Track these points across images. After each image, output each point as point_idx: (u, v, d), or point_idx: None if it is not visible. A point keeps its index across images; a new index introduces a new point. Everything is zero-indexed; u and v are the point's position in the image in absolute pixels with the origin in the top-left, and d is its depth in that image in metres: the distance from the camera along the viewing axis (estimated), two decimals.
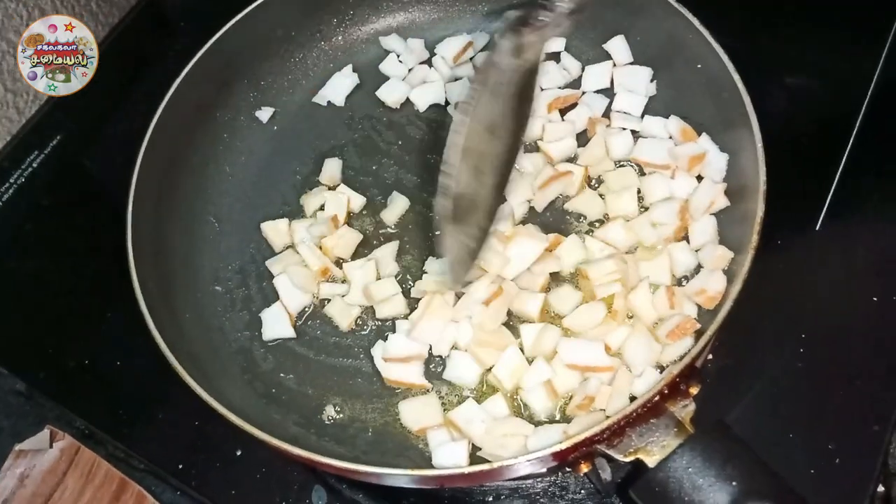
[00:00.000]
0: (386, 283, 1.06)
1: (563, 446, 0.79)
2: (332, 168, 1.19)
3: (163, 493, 1.05)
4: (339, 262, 1.11)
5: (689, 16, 1.05)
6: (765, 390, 1.00)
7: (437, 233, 1.03)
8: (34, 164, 1.34)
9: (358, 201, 1.16)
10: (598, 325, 0.99)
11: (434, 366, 1.02)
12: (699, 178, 1.07)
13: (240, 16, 1.17)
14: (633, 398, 0.93)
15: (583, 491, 0.97)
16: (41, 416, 1.12)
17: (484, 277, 1.02)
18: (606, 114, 1.17)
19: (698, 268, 1.02)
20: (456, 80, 1.24)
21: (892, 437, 0.96)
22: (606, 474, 0.85)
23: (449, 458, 0.92)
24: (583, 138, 1.15)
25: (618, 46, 1.20)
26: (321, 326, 1.07)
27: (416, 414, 0.97)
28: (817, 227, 1.10)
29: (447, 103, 1.23)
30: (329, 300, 1.08)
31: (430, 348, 1.01)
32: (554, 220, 1.10)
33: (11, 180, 1.32)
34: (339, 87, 1.27)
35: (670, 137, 1.12)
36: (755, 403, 0.99)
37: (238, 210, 1.18)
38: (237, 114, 1.25)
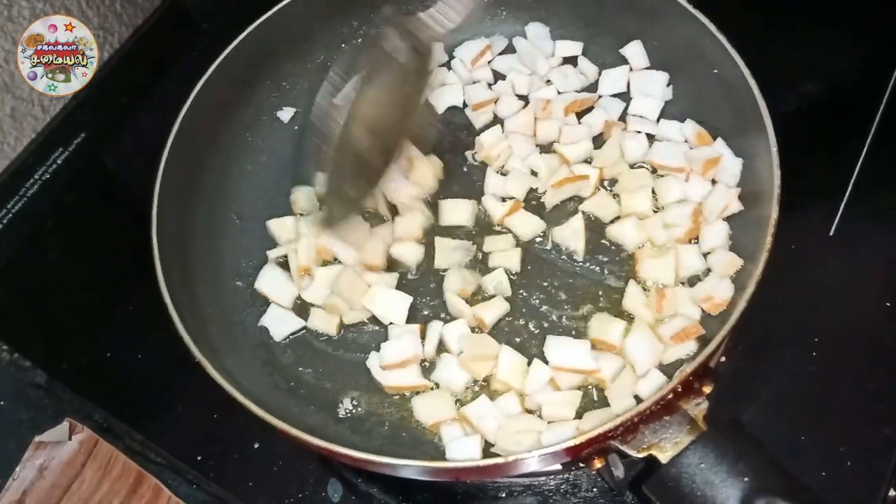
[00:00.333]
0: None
1: (578, 441, 0.80)
2: None
3: (179, 487, 1.06)
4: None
5: (706, 21, 1.06)
6: (777, 392, 1.00)
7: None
8: (58, 162, 1.35)
9: None
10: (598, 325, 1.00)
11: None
12: (713, 182, 1.08)
13: (263, 18, 1.18)
14: (637, 398, 0.94)
15: (595, 489, 0.98)
16: (60, 409, 1.13)
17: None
18: (623, 117, 1.17)
19: (704, 273, 1.02)
20: (474, 82, 1.25)
21: None
22: (619, 471, 0.85)
23: (462, 451, 0.93)
24: (598, 141, 1.16)
25: (634, 51, 1.20)
26: None
27: (430, 409, 0.98)
28: (831, 233, 1.11)
29: (465, 105, 1.24)
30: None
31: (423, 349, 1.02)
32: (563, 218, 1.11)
33: (36, 177, 1.33)
34: None
35: (685, 141, 1.13)
36: (767, 405, 0.99)
37: (259, 207, 1.19)
38: (259, 114, 1.26)
